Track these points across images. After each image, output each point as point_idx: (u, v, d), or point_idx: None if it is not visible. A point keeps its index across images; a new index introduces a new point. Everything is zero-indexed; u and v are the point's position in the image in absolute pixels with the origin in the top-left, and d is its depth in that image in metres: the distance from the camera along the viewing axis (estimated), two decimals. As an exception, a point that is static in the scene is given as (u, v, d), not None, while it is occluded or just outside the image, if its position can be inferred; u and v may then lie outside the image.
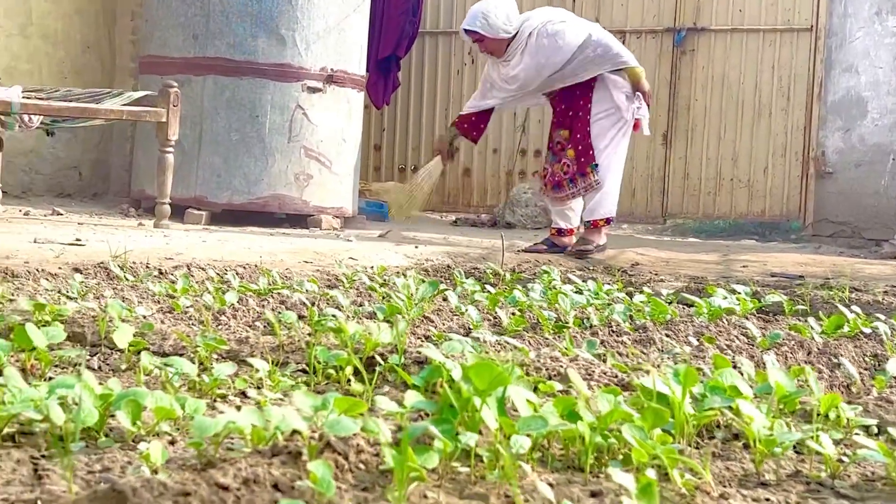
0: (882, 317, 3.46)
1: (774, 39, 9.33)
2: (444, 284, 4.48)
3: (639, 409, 1.44)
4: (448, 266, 5.09)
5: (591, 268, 6.22)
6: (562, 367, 1.85)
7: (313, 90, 7.80)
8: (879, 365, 2.69)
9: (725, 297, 3.81)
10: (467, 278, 4.70)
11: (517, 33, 6.17)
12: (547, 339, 2.78)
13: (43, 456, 1.39)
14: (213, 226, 7.36)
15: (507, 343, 2.54)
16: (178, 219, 7.00)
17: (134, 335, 2.25)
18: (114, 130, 8.64)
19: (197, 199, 7.58)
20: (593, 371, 1.82)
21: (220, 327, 2.88)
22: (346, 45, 7.97)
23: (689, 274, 6.14)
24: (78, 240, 5.14)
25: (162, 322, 2.93)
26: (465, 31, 6.16)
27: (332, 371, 1.93)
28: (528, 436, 1.29)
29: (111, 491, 1.05)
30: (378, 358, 1.98)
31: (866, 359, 2.70)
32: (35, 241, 4.86)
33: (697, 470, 1.31)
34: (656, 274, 6.06)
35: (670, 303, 4.14)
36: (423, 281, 4.43)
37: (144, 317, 2.93)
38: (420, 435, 1.22)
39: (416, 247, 6.07)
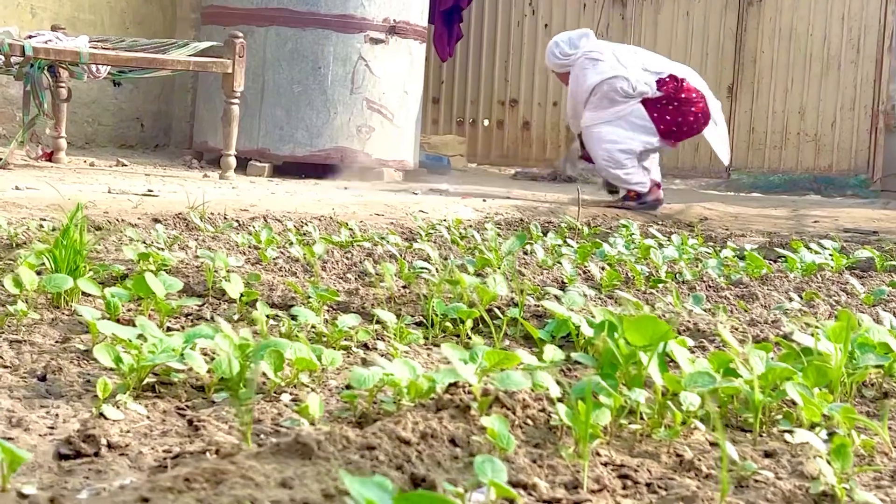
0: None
1: (845, -10, 9.14)
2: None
3: (798, 366, 1.38)
4: (520, 220, 5.04)
5: (661, 222, 6.14)
6: (688, 321, 1.80)
7: (376, 41, 7.73)
8: None
9: (817, 252, 3.72)
10: (544, 233, 4.64)
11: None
12: (648, 293, 2.72)
13: (188, 406, 1.36)
14: (275, 178, 7.34)
15: (619, 297, 2.49)
16: (240, 171, 6.98)
17: (243, 283, 2.22)
18: (175, 82, 8.62)
19: (260, 151, 7.56)
20: (720, 326, 1.76)
21: (311, 278, 2.85)
22: (408, -5, 7.88)
23: (760, 229, 6.05)
24: (150, 191, 5.13)
25: (251, 273, 2.90)
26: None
27: (449, 324, 1.89)
28: (696, 392, 1.25)
29: (295, 443, 1.01)
30: (496, 311, 1.93)
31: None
32: (109, 192, 4.86)
33: (875, 429, 1.26)
34: (727, 229, 5.98)
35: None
36: (499, 234, 4.38)
37: (238, 267, 2.91)
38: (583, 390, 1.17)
39: (485, 200, 6.02)
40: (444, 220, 4.85)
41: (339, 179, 7.45)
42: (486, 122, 10.37)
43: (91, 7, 8.00)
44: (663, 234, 4.61)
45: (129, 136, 8.49)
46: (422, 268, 3.00)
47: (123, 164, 7.16)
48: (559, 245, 3.82)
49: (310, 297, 2.05)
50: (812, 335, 1.53)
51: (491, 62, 10.33)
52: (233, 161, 6.62)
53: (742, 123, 9.58)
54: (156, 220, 3.97)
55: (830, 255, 3.72)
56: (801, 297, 2.79)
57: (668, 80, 6.24)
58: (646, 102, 6.25)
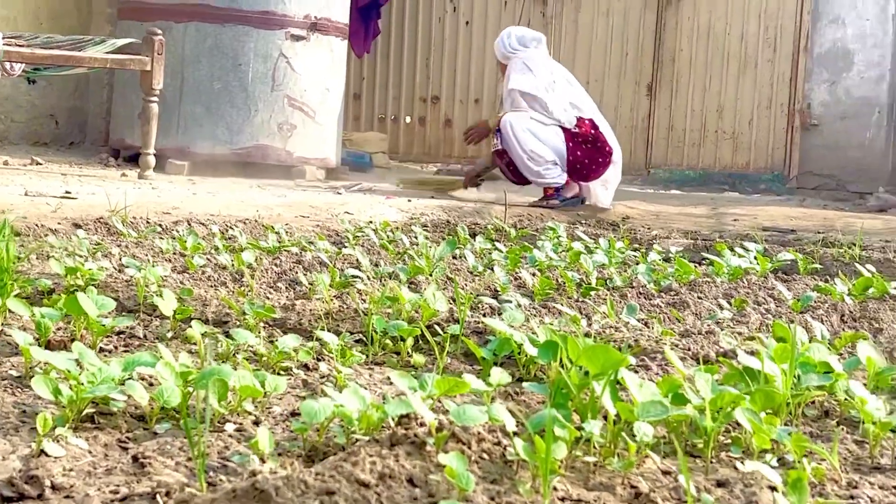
0: (903, 277, 3.43)
1: (761, -11, 9.27)
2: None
3: (744, 389, 1.39)
4: (447, 221, 5.03)
5: (584, 222, 6.18)
6: (628, 338, 1.80)
7: (297, 38, 7.66)
8: (917, 329, 2.66)
9: (742, 256, 3.77)
10: (471, 236, 4.64)
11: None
12: (581, 301, 2.72)
13: (129, 438, 1.32)
14: (195, 176, 7.23)
15: (555, 308, 2.49)
16: (158, 169, 6.87)
17: (175, 298, 2.18)
18: (90, 78, 8.45)
19: (179, 149, 7.44)
20: (664, 344, 1.76)
21: (242, 288, 2.80)
22: (330, -9, 7.82)
23: (682, 228, 6.12)
24: (68, 192, 5.03)
25: (181, 283, 2.85)
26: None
27: (389, 341, 1.87)
28: (650, 422, 1.24)
29: (252, 489, 0.98)
30: (436, 327, 1.91)
31: (905, 323, 2.67)
32: (26, 194, 4.74)
33: (823, 456, 1.27)
34: (649, 228, 6.03)
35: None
36: (427, 237, 4.36)
37: (165, 278, 2.85)
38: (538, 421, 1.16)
39: (409, 200, 6.00)
40: (371, 222, 4.82)
41: (261, 178, 7.37)
42: (408, 119, 10.34)
43: (3, 2, 7.81)
44: (589, 235, 4.64)
45: (43, 133, 8.32)
46: (353, 276, 2.98)
47: (38, 163, 7.00)
48: (488, 249, 3.81)
49: (245, 314, 2.02)
50: (755, 353, 1.54)
51: (413, 59, 10.30)
52: (152, 160, 6.51)
53: (661, 121, 9.68)
54: (77, 226, 3.89)
55: (755, 258, 3.76)
56: (731, 304, 2.82)
57: (587, 122, 6.49)
58: (565, 130, 6.44)
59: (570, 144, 6.45)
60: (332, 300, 2.19)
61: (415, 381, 1.35)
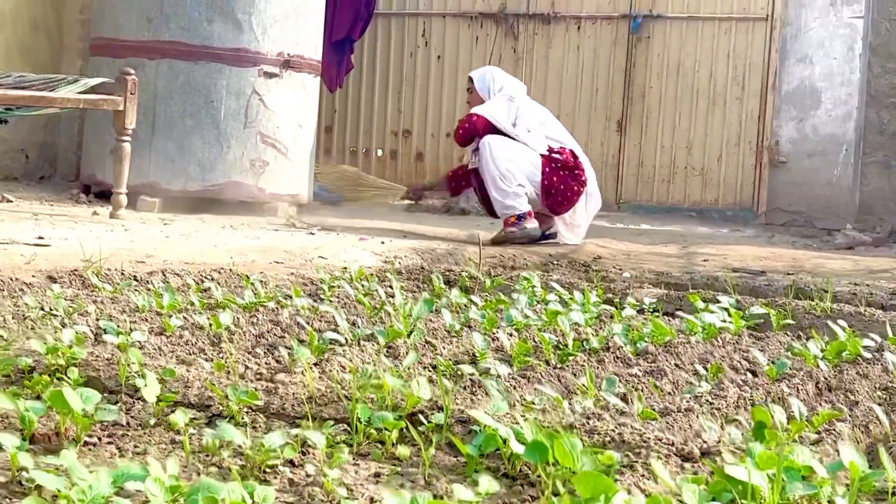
0: (875, 337, 3.47)
1: (730, 28, 9.35)
2: (424, 292, 4.43)
3: (729, 498, 1.41)
4: (421, 267, 5.04)
5: (556, 262, 6.21)
6: (612, 431, 1.82)
7: (270, 75, 7.67)
8: (891, 398, 2.69)
9: (713, 312, 3.80)
10: (446, 283, 4.65)
11: None
12: (559, 368, 2.74)
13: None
14: (167, 213, 7.21)
15: (535, 378, 2.51)
16: (130, 206, 6.83)
17: (157, 379, 2.17)
18: (61, 113, 8.42)
19: (150, 186, 7.43)
20: (647, 438, 1.78)
21: (220, 355, 2.80)
22: (303, 29, 7.85)
23: (653, 269, 6.16)
24: (41, 238, 5.00)
25: (159, 350, 2.85)
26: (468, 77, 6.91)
27: (373, 431, 1.87)
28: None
29: None
30: (420, 415, 1.92)
31: (878, 393, 2.71)
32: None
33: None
34: (620, 269, 6.07)
35: (657, 314, 4.13)
36: (402, 287, 4.37)
37: (140, 344, 2.85)
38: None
39: (383, 242, 6.01)
40: (346, 269, 4.82)
41: (233, 214, 7.37)
42: (380, 153, 10.37)
43: (-26, 36, 7.78)
44: (563, 284, 4.66)
45: (13, 167, 8.27)
46: (332, 340, 2.99)
47: (9, 200, 6.97)
48: (464, 304, 3.83)
49: (227, 398, 2.02)
50: (740, 459, 1.56)
51: (384, 92, 10.33)
52: (124, 199, 6.48)
53: (631, 157, 9.74)
54: (51, 279, 3.87)
55: (729, 315, 3.80)
56: (707, 370, 2.84)
57: (569, 151, 6.60)
58: (542, 155, 6.55)
59: (547, 169, 6.55)
60: (313, 380, 2.19)
61: (407, 500, 1.36)
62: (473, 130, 6.60)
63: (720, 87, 9.44)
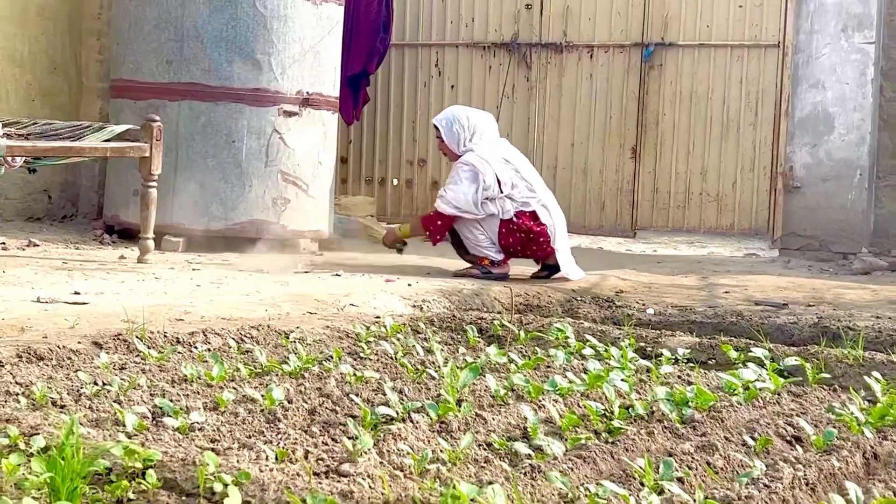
0: (913, 394, 3.53)
1: (742, 55, 9.44)
2: (460, 345, 4.50)
3: None
4: (453, 315, 5.10)
5: (579, 298, 6.28)
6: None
7: (289, 114, 7.76)
8: (939, 470, 2.75)
9: (747, 367, 3.86)
10: (479, 332, 4.72)
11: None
12: (611, 443, 2.80)
13: None
14: (191, 253, 7.29)
15: (590, 458, 2.58)
16: (154, 246, 6.89)
17: (231, 482, 2.24)
18: (82, 152, 8.51)
19: (174, 226, 7.52)
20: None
21: (278, 436, 2.87)
22: (321, 67, 7.93)
23: (675, 303, 6.22)
24: (77, 293, 5.08)
25: (218, 431, 2.91)
26: (433, 124, 6.92)
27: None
28: None
29: None
30: (499, 524, 1.99)
31: (927, 465, 2.77)
32: (38, 300, 4.78)
33: None
34: (643, 304, 6.14)
35: (692, 365, 4.20)
36: (438, 342, 4.44)
37: (199, 425, 2.91)
38: None
39: (409, 285, 6.07)
40: (378, 318, 4.89)
41: (256, 252, 7.44)
42: (395, 182, 10.45)
43: (-5, 80, 7.86)
44: (594, 333, 4.72)
45: (36, 208, 8.36)
46: (383, 415, 3.05)
47: (35, 245, 7.05)
48: (504, 365, 3.89)
49: (305, 502, 2.08)
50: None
51: (399, 122, 10.41)
52: (150, 244, 6.56)
53: (646, 184, 9.82)
54: (97, 345, 3.93)
55: (764, 368, 3.86)
56: (755, 441, 2.91)
57: (528, 214, 6.73)
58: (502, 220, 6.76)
59: (503, 231, 6.74)
60: (376, 467, 2.25)
61: None
62: (446, 228, 6.74)
63: (733, 113, 9.52)
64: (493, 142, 6.86)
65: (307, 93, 7.81)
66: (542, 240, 6.78)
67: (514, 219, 6.73)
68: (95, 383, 3.34)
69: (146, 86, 7.61)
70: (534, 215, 6.76)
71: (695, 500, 2.29)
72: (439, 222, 6.75)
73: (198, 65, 7.54)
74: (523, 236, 6.75)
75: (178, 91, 7.56)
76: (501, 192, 6.69)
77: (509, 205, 6.73)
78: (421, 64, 10.32)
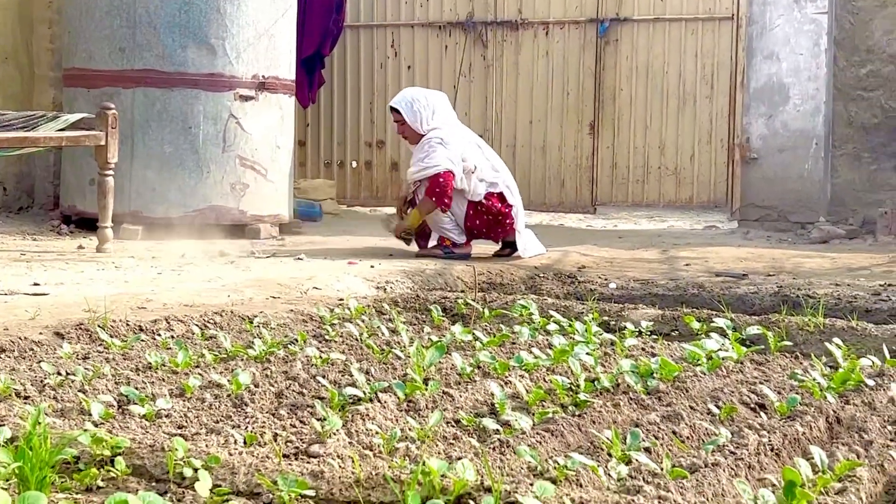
0: (874, 358, 3.58)
1: (696, 28, 9.48)
2: (425, 325, 4.50)
3: None
4: (417, 295, 5.10)
5: (542, 275, 6.29)
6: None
7: (246, 98, 7.71)
8: (901, 432, 2.79)
9: (711, 338, 3.89)
10: (443, 311, 4.72)
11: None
12: (577, 417, 2.82)
13: None
14: (150, 241, 7.24)
15: (558, 432, 2.60)
16: (113, 234, 6.82)
17: (201, 466, 2.23)
18: (37, 142, 8.41)
19: (132, 214, 7.46)
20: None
21: (245, 420, 2.86)
22: (276, 50, 7.89)
23: (637, 277, 6.26)
24: (36, 284, 5.04)
25: (185, 417, 2.90)
26: (391, 107, 6.81)
27: (425, 517, 1.95)
28: None
29: None
30: (469, 500, 1.99)
31: (889, 428, 2.80)
32: (-3, 293, 4.74)
33: None
34: (605, 279, 6.16)
35: (655, 338, 4.23)
36: (403, 322, 4.44)
37: (166, 412, 2.90)
38: None
39: (372, 266, 6.06)
40: (342, 301, 4.88)
41: (215, 238, 7.40)
42: (354, 164, 10.42)
43: (-54, 72, 7.76)
44: (558, 308, 4.74)
45: (-9, 200, 8.26)
46: (351, 396, 3.05)
47: (-8, 237, 6.98)
48: (470, 343, 3.90)
49: (276, 483, 2.08)
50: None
51: (356, 104, 10.38)
52: (109, 233, 6.51)
53: (605, 159, 9.85)
54: (59, 335, 3.90)
55: (727, 338, 3.89)
56: (720, 410, 2.93)
57: (497, 195, 6.74)
58: (469, 201, 6.74)
59: (471, 212, 6.74)
60: (356, 461, 2.25)
61: None
62: (449, 187, 6.68)
63: (689, 86, 9.57)
64: (452, 123, 6.84)
65: (263, 77, 7.76)
66: (507, 221, 6.79)
67: (484, 200, 6.72)
68: (59, 373, 3.31)
69: (100, 73, 7.53)
70: (501, 196, 6.77)
71: (662, 469, 2.31)
72: (441, 180, 6.60)
73: (151, 51, 7.48)
74: (490, 218, 6.76)
75: (131, 78, 7.49)
76: (472, 168, 6.68)
77: (482, 187, 6.72)
78: (377, 45, 10.28)
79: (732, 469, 2.38)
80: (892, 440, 2.72)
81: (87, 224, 7.54)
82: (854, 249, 7.98)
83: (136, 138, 7.48)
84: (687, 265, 6.94)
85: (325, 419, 2.67)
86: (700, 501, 2.10)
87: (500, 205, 6.75)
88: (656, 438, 2.67)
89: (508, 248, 7.00)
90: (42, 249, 6.59)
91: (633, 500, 1.91)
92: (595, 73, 9.74)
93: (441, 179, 6.58)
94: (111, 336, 3.88)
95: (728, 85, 9.32)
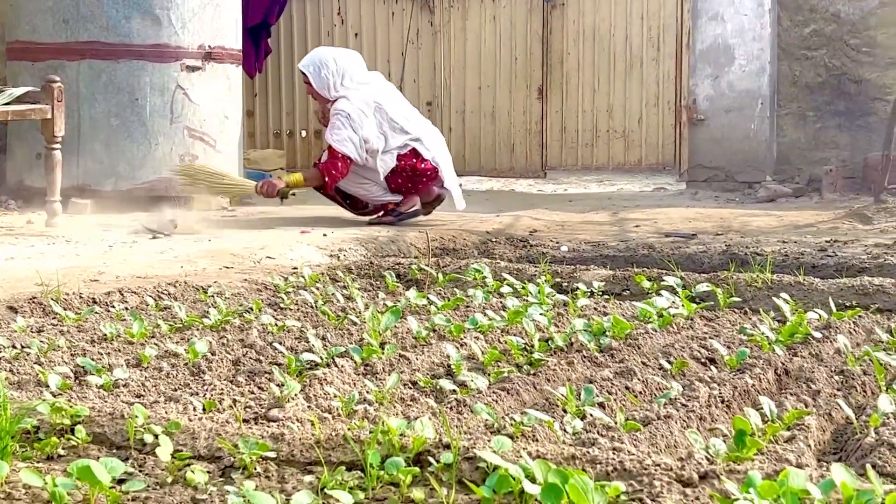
0: (820, 311, 3.65)
1: (642, -10, 9.53)
2: (379, 290, 4.52)
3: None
4: (370, 262, 5.12)
5: (494, 239, 6.33)
6: (613, 459, 1.94)
7: (192, 69, 7.66)
8: (847, 382, 2.86)
9: (661, 295, 3.95)
10: (397, 277, 4.74)
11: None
12: (534, 376, 2.86)
13: None
14: (99, 214, 7.17)
15: (513, 390, 2.64)
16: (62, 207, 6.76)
17: (161, 432, 2.25)
18: (-19, 117, 8.29)
19: (80, 188, 7.40)
20: (647, 465, 1.90)
21: (203, 388, 2.88)
22: (221, 20, 7.84)
23: (588, 239, 6.32)
24: (-14, 258, 5.00)
25: (143, 386, 2.91)
26: (300, 69, 6.88)
27: (385, 473, 1.97)
28: None
29: None
30: (429, 457, 2.03)
31: (836, 378, 2.87)
32: (-54, 269, 4.70)
33: None
34: (557, 242, 6.21)
35: (607, 297, 4.28)
36: (357, 289, 4.46)
37: (123, 381, 2.91)
38: None
39: (325, 234, 6.07)
40: (296, 269, 4.89)
41: (167, 209, 7.35)
42: (304, 133, 10.38)
43: None
44: (511, 272, 4.78)
45: (-64, 177, 8.14)
46: (309, 361, 3.07)
47: (-62, 214, 6.90)
48: (425, 307, 3.93)
49: (238, 449, 2.10)
50: (740, 485, 1.70)
51: (303, 73, 10.31)
52: (58, 207, 6.45)
53: (554, 123, 9.89)
54: (12, 309, 3.88)
55: (677, 296, 3.95)
56: (672, 365, 2.99)
57: (408, 154, 6.79)
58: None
59: (390, 176, 6.83)
60: (316, 423, 2.28)
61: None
62: (340, 174, 6.73)
63: (636, 49, 9.62)
64: (364, 83, 6.82)
65: (209, 46, 7.71)
66: (429, 173, 6.84)
67: (398, 163, 6.77)
68: (14, 346, 3.30)
69: (44, 46, 7.45)
70: (415, 152, 6.81)
71: (616, 423, 2.36)
72: (339, 164, 6.71)
73: (95, 22, 7.40)
74: (409, 174, 6.81)
75: (76, 51, 7.41)
76: (376, 148, 6.71)
77: (389, 157, 6.78)
78: (323, 13, 10.24)
79: (684, 421, 2.44)
80: (838, 390, 2.79)
81: (36, 199, 7.47)
82: (800, 207, 8.11)
83: (82, 111, 7.41)
84: (637, 227, 7.02)
85: (282, 384, 2.69)
86: (654, 452, 2.15)
87: (415, 160, 6.80)
88: (610, 394, 2.72)
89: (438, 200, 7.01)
90: (-10, 225, 6.53)
91: (589, 452, 1.95)
92: (542, 37, 9.77)
93: (338, 163, 6.70)
94: (65, 309, 3.87)
95: (674, 47, 9.39)
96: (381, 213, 6.94)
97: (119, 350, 3.35)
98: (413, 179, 6.83)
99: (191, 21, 7.60)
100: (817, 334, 3.32)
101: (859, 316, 3.68)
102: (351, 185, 6.86)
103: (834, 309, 3.74)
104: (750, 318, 3.82)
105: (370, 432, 2.10)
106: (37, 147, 7.01)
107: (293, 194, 6.93)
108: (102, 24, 7.40)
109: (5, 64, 7.92)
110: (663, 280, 4.39)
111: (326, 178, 6.73)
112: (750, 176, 8.99)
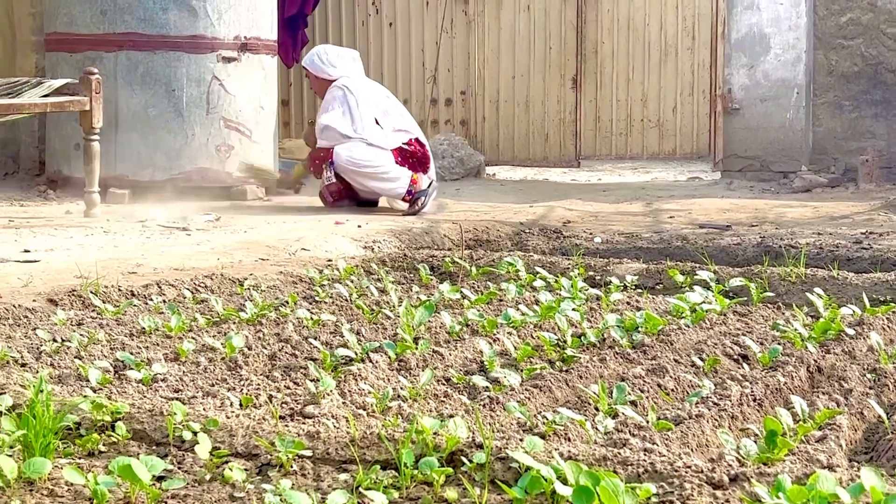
0: (854, 308, 3.65)
1: (677, -21, 9.49)
2: (413, 284, 4.55)
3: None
4: (404, 255, 5.15)
5: (528, 230, 6.35)
6: (644, 461, 1.96)
7: (228, 60, 7.72)
8: (879, 380, 2.86)
9: (694, 291, 3.96)
10: (431, 270, 4.78)
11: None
12: (565, 372, 2.88)
13: None
14: (137, 204, 7.25)
15: (546, 387, 2.66)
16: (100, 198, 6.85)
17: (200, 429, 2.29)
18: (20, 108, 8.38)
19: (118, 178, 7.48)
20: (678, 467, 1.93)
21: (240, 383, 2.92)
22: (257, 11, 7.89)
23: (621, 230, 6.32)
24: (27, 251, 5.07)
25: (181, 381, 2.96)
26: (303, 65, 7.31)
27: (419, 473, 2.01)
28: None
29: None
30: (462, 457, 2.06)
31: (868, 376, 2.88)
32: (-12, 260, 4.78)
33: None
34: (590, 233, 6.22)
35: (640, 292, 4.30)
36: (391, 282, 4.50)
37: (163, 377, 2.95)
38: None
39: (359, 226, 6.11)
40: (331, 262, 4.93)
41: (202, 200, 7.42)
42: (338, 123, 10.40)
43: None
44: (544, 265, 4.80)
45: (-24, 167, 8.26)
46: (343, 357, 3.11)
47: (-22, 203, 7.00)
48: (458, 301, 3.96)
49: (274, 445, 2.14)
50: (770, 489, 1.72)
51: (338, 63, 10.34)
52: (97, 198, 6.54)
53: (588, 113, 9.88)
54: (52, 301, 3.94)
55: (710, 291, 3.96)
56: (704, 362, 3.00)
57: (415, 141, 7.09)
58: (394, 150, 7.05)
59: (399, 159, 7.01)
60: (351, 420, 2.32)
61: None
62: (324, 160, 6.92)
63: (671, 38, 9.59)
64: (363, 78, 7.13)
65: (245, 37, 7.76)
66: (427, 164, 7.08)
67: (407, 146, 6.99)
68: (55, 340, 3.36)
69: (82, 38, 7.53)
70: (419, 142, 7.09)
71: (648, 422, 2.38)
72: (322, 154, 6.94)
73: (133, 14, 7.47)
74: (415, 161, 7.03)
75: (114, 42, 7.49)
76: (379, 125, 6.92)
77: (393, 137, 6.97)
78: (357, 3, 10.26)
79: (716, 420, 2.46)
80: (870, 388, 2.80)
81: (74, 189, 7.56)
82: (836, 198, 8.07)
83: (119, 102, 7.49)
84: (671, 217, 7.01)
85: (318, 380, 2.73)
86: (685, 452, 2.17)
87: (421, 148, 7.07)
88: (642, 392, 2.74)
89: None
90: (30, 215, 6.62)
91: (620, 453, 1.98)
92: (577, 27, 9.74)
93: (322, 154, 6.98)
94: (104, 302, 3.93)
95: (709, 36, 9.34)
96: (409, 206, 7.02)
97: (157, 344, 3.40)
98: (416, 167, 7.02)
99: (227, 12, 7.65)
100: (850, 331, 3.32)
101: (893, 312, 3.68)
102: (366, 182, 6.98)
103: (867, 304, 3.74)
104: (783, 314, 3.83)
105: (404, 431, 2.13)
106: (75, 137, 7.10)
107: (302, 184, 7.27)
108: (140, 15, 7.46)
109: (44, 55, 8.01)
110: (696, 274, 4.39)
111: (312, 169, 7.09)
112: (785, 166, 8.95)
